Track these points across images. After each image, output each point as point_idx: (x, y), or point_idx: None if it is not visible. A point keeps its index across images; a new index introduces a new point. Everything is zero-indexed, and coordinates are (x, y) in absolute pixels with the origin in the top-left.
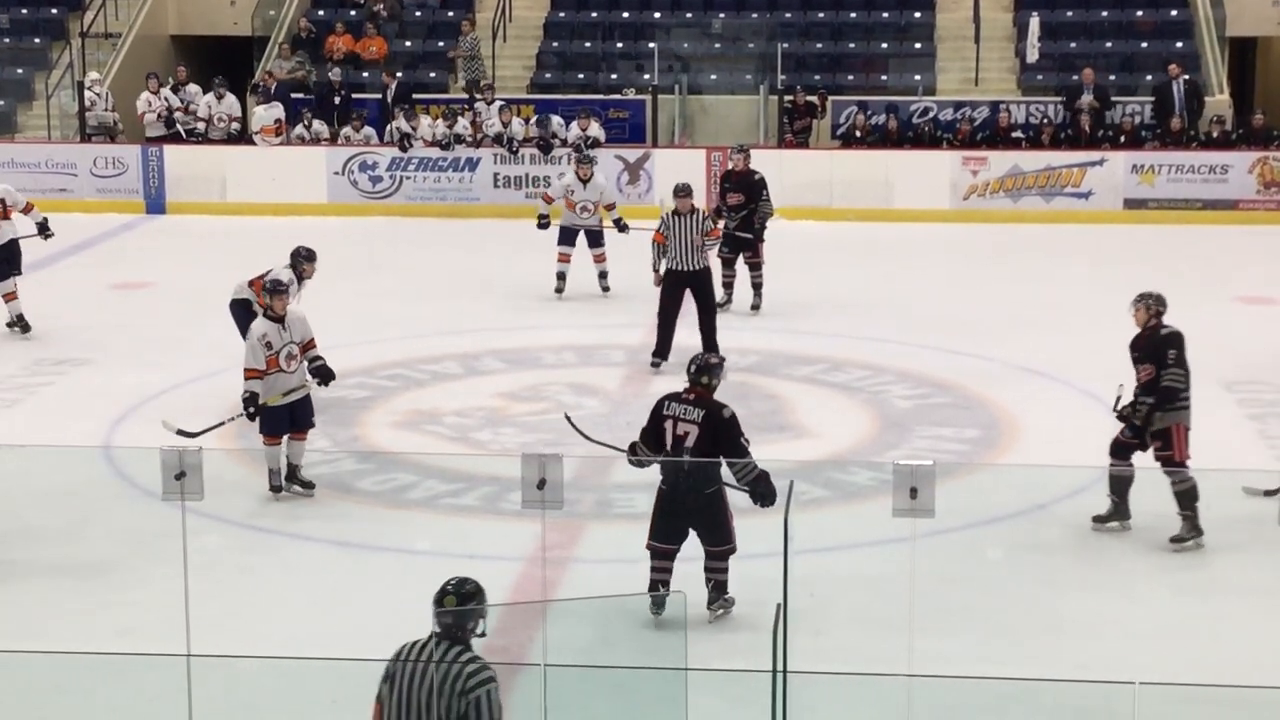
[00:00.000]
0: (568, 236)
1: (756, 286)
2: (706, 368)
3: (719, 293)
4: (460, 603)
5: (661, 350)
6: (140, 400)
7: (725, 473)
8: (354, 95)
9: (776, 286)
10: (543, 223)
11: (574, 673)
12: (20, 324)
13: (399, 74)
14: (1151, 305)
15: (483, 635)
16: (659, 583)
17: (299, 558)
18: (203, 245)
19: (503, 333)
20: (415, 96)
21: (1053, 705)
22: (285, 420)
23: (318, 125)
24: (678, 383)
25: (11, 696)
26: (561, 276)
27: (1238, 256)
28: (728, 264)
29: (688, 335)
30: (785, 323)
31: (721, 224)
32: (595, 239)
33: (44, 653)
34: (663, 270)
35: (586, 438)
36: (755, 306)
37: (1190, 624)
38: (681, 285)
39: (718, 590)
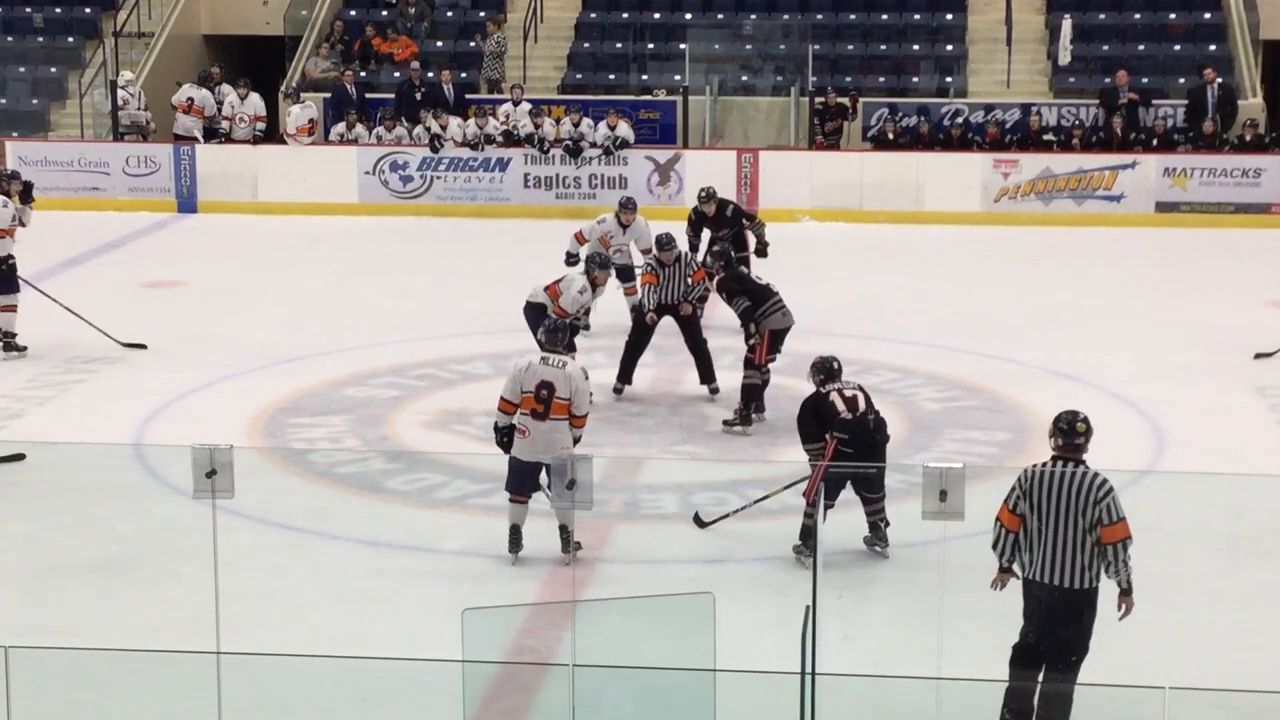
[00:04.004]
0: None
1: None
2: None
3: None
4: (1085, 428)
5: (625, 376)
6: (171, 398)
7: None
8: (373, 96)
9: (805, 288)
10: (571, 260)
11: (602, 673)
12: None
13: (426, 72)
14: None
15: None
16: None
17: (328, 556)
18: (234, 244)
19: (528, 334)
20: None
21: (1083, 709)
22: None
23: (360, 129)
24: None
25: (42, 693)
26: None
27: (1270, 260)
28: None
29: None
30: (814, 324)
31: (706, 257)
32: (626, 274)
33: (74, 649)
34: (653, 305)
35: (724, 516)
36: None
37: (1221, 630)
38: (660, 314)
39: (876, 530)
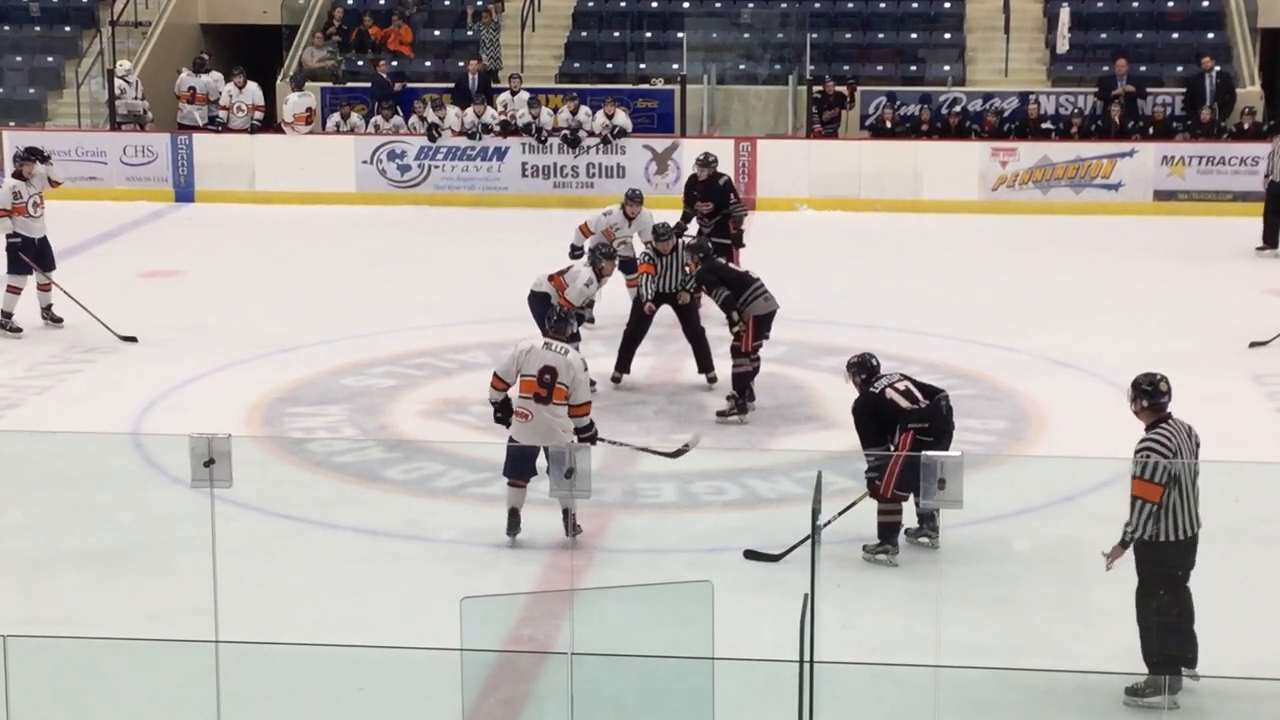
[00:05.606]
0: None
1: None
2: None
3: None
4: (1168, 385)
5: (624, 365)
6: (169, 388)
7: None
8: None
9: (803, 277)
10: (576, 253)
11: (601, 662)
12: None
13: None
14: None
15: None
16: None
17: (326, 545)
18: (231, 233)
19: (530, 322)
20: (443, 86)
21: (1081, 697)
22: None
23: (355, 118)
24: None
25: (41, 682)
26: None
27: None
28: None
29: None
30: (812, 313)
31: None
32: (630, 267)
33: (73, 638)
34: (651, 294)
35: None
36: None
37: (1221, 617)
38: (658, 303)
39: (929, 520)
